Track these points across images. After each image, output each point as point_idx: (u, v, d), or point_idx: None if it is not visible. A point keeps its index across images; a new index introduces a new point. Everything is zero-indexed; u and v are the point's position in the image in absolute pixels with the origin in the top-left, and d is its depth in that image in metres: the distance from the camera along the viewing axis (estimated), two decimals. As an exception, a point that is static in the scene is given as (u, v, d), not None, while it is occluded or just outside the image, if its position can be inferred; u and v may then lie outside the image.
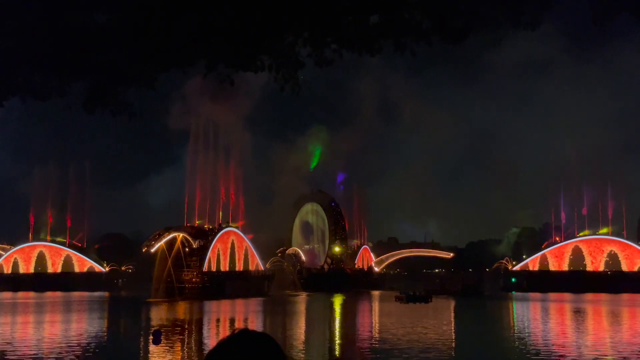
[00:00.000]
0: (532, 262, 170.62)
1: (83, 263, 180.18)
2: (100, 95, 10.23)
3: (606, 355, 45.86)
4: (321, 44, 9.70)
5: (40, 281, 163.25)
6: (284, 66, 9.71)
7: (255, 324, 73.16)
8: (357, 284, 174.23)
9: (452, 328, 71.99)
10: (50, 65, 9.92)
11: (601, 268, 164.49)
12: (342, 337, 63.92)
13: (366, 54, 9.86)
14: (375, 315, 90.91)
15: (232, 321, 76.40)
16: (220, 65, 9.44)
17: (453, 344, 54.86)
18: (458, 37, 10.94)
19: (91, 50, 9.67)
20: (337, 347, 54.23)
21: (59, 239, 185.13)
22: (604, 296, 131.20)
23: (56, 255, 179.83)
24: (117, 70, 9.90)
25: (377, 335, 62.24)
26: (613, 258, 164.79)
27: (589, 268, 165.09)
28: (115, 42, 9.43)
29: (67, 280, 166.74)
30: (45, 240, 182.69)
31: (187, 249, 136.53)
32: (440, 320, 79.37)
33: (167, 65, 9.64)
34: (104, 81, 10.16)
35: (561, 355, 46.22)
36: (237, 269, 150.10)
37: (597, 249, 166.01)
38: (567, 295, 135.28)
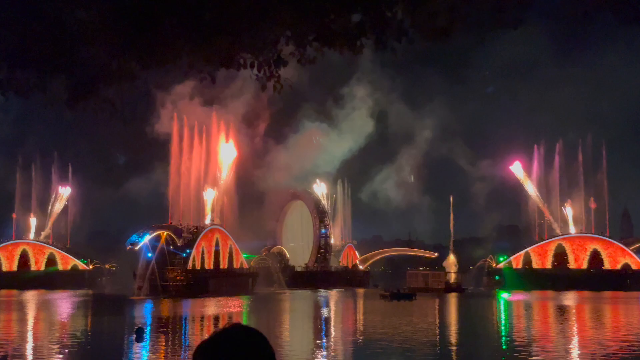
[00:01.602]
0: (515, 260, 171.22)
1: (67, 261, 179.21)
2: (82, 92, 10.20)
3: (582, 349, 46.26)
4: (303, 42, 9.72)
5: (23, 279, 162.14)
6: (266, 64, 9.72)
7: (240, 322, 72.93)
8: (341, 282, 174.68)
9: (437, 325, 72.28)
10: (31, 61, 9.88)
11: (584, 266, 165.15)
12: (326, 334, 63.99)
13: (348, 52, 9.89)
14: (360, 313, 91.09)
15: (216, 319, 76.30)
16: (201, 63, 9.43)
17: (437, 341, 55.08)
18: (440, 36, 10.99)
19: (72, 46, 9.64)
20: (322, 345, 54.28)
21: (42, 238, 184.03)
22: (586, 294, 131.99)
23: (39, 254, 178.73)
24: (99, 67, 9.88)
25: (361, 332, 62.39)
26: (596, 256, 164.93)
27: (572, 266, 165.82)
28: (97, 39, 9.41)
29: (50, 279, 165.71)
30: (29, 239, 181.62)
31: (171, 247, 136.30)
32: (424, 318, 79.67)
33: (149, 62, 9.63)
34: (85, 78, 10.13)
35: (541, 349, 46.61)
36: (221, 267, 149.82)
37: (580, 247, 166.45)
38: (550, 293, 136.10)
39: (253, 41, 9.45)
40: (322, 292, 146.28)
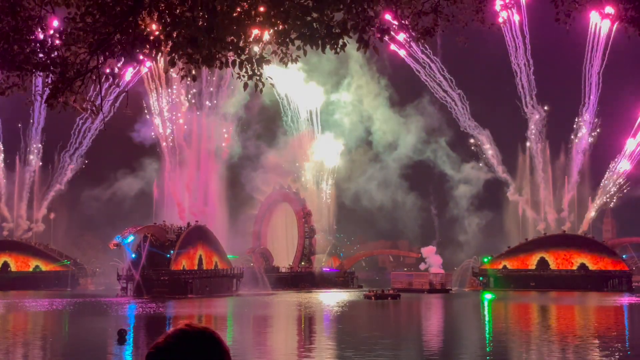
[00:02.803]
0: (498, 262, 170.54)
1: (50, 261, 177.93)
2: (62, 90, 10.10)
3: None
4: (285, 41, 9.67)
5: (6, 280, 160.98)
6: (247, 62, 9.65)
7: (225, 321, 72.95)
8: (325, 283, 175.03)
9: (421, 324, 72.49)
10: (10, 60, 9.78)
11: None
12: (312, 335, 64.01)
13: (330, 51, 9.84)
14: (345, 313, 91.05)
15: (199, 319, 76.12)
16: (182, 61, 9.35)
17: (422, 339, 55.23)
18: (424, 35, 10.97)
19: (52, 45, 9.54)
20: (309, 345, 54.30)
21: (26, 237, 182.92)
22: (569, 294, 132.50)
23: (23, 254, 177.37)
24: (79, 64, 9.78)
25: (346, 331, 62.42)
26: (582, 266, 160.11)
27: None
28: (76, 37, 9.31)
29: (33, 279, 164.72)
30: (12, 239, 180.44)
31: (155, 248, 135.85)
32: (408, 317, 79.84)
33: (129, 60, 9.53)
34: (65, 76, 10.03)
35: (518, 344, 46.94)
36: (205, 267, 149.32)
37: (565, 260, 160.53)
38: (533, 294, 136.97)
39: (234, 39, 9.39)
40: (306, 293, 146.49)
